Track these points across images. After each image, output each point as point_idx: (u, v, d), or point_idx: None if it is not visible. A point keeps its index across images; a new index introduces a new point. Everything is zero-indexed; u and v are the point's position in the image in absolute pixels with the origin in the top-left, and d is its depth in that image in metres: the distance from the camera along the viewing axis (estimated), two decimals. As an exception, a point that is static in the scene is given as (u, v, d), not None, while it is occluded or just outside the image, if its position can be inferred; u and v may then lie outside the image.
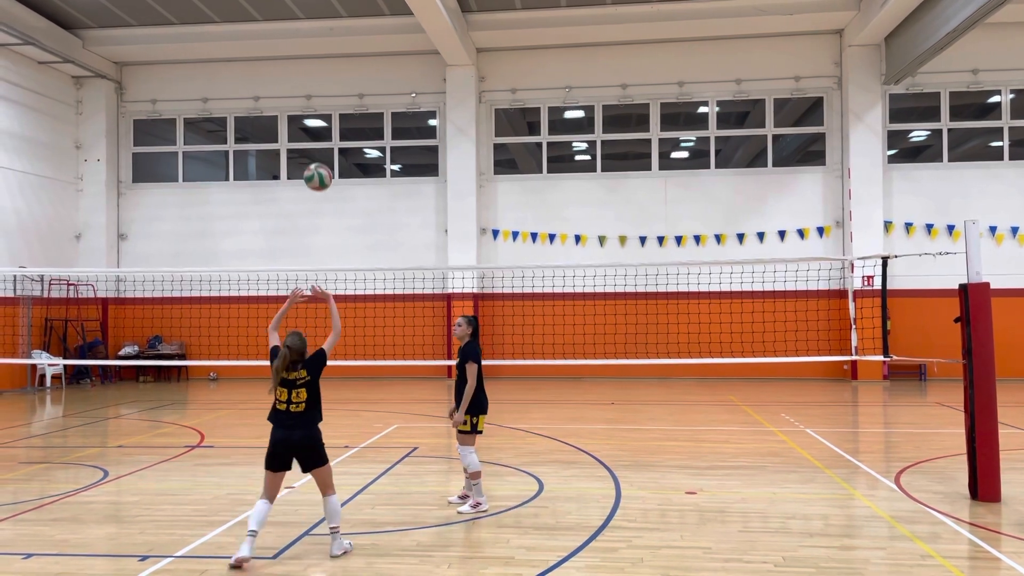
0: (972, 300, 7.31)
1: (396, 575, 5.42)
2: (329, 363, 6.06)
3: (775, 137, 19.26)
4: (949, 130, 18.58)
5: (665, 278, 17.47)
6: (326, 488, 5.88)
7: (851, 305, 11.75)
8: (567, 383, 18.07)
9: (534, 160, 20.23)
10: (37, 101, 18.79)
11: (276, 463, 5.83)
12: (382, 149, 20.39)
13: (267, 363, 6.03)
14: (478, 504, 6.98)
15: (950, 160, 18.53)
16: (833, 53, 18.91)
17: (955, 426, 11.34)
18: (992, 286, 7.50)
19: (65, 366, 18.32)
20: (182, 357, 19.46)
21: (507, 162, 20.57)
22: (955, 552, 5.86)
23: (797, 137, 19.99)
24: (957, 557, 5.75)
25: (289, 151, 20.53)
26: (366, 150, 21.26)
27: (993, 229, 18.03)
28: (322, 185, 8.09)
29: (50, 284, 18.69)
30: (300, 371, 5.84)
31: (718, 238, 18.92)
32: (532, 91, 19.65)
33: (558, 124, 20.00)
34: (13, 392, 17.26)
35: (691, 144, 20.20)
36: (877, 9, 16.44)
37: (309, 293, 6.47)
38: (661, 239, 19.07)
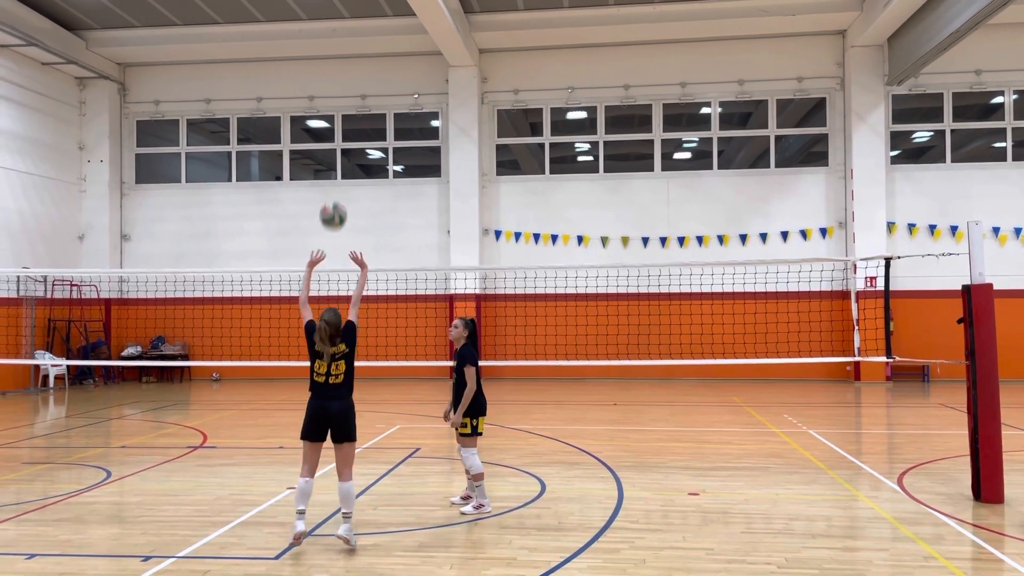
0: (975, 301, 7.30)
1: (398, 576, 5.43)
2: None
3: (778, 138, 19.25)
4: (952, 131, 18.56)
5: (668, 279, 17.46)
6: (345, 468, 6.03)
7: (854, 306, 11.72)
8: (569, 384, 18.07)
9: (536, 161, 20.23)
10: (40, 102, 18.82)
11: (314, 433, 6.01)
12: (385, 150, 20.40)
13: (268, 363, 6.14)
14: (481, 506, 6.98)
15: (953, 161, 18.50)
16: (836, 54, 18.89)
17: (958, 427, 11.32)
18: (995, 287, 7.49)
19: (68, 366, 18.34)
20: (185, 358, 19.48)
21: (509, 163, 20.58)
22: (958, 553, 5.85)
23: (800, 138, 19.98)
24: (960, 558, 5.74)
25: (292, 152, 20.54)
26: (369, 151, 21.27)
27: (996, 230, 18.01)
28: (341, 223, 8.11)
29: (53, 285, 18.72)
30: (340, 345, 6.11)
31: (721, 239, 18.92)
32: (534, 92, 19.66)
33: (560, 125, 20.00)
34: (16, 392, 17.29)
35: (694, 145, 20.19)
36: (880, 10, 16.43)
37: (324, 256, 7.06)
38: (664, 240, 19.06)
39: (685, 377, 18.76)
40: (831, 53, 18.91)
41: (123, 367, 19.75)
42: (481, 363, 7.40)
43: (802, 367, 18.27)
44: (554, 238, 19.33)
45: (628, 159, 20.12)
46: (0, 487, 8.14)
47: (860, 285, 17.21)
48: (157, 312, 19.70)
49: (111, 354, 19.55)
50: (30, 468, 9.26)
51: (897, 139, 19.05)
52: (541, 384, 18.02)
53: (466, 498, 7.22)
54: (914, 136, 19.38)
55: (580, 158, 20.48)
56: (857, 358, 11.06)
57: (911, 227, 18.39)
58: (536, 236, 19.40)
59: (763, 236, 18.84)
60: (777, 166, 19.12)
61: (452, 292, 19.08)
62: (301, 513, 5.90)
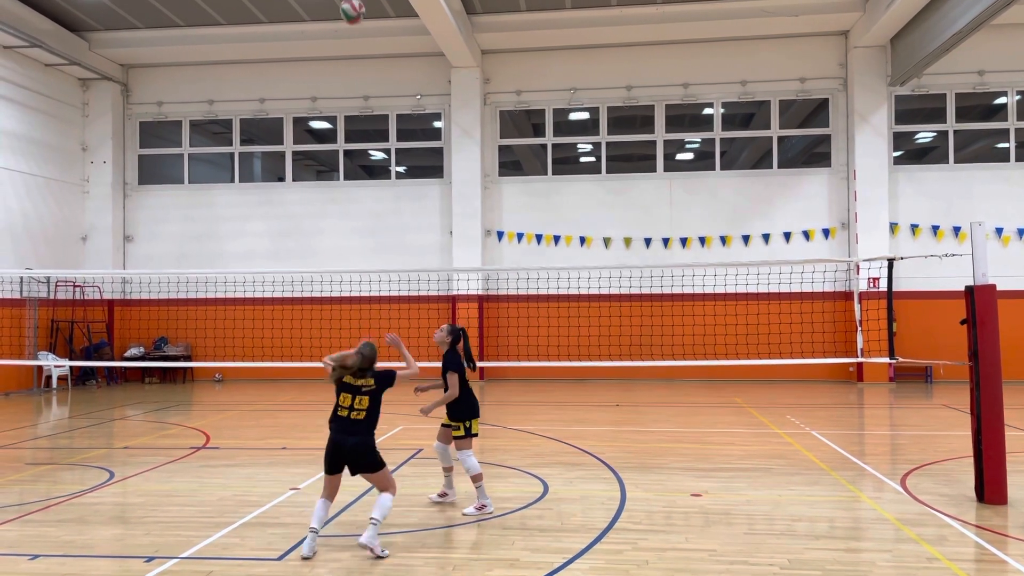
0: (978, 302, 7.29)
1: (401, 577, 5.43)
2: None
3: (780, 139, 19.23)
4: (955, 131, 18.53)
5: (670, 280, 17.45)
6: (382, 489, 6.08)
7: (857, 307, 11.70)
8: (572, 385, 18.06)
9: (539, 162, 20.23)
10: (43, 103, 18.85)
11: (331, 466, 6.02)
12: (387, 151, 20.41)
13: (271, 364, 6.19)
14: (483, 506, 6.99)
15: (956, 161, 18.48)
16: (838, 54, 18.87)
17: (961, 428, 11.30)
18: (998, 288, 7.48)
19: (71, 367, 18.38)
20: (187, 358, 19.50)
21: (512, 164, 20.58)
22: (961, 555, 5.84)
23: (802, 139, 19.96)
24: (963, 560, 5.73)
25: (294, 153, 20.56)
26: (371, 152, 21.28)
27: (999, 231, 17.98)
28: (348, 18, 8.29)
29: (56, 286, 18.75)
30: (368, 379, 6.10)
31: (723, 240, 18.90)
32: (537, 93, 19.66)
33: (563, 126, 20.00)
34: (19, 393, 17.32)
35: (696, 146, 20.18)
36: (883, 10, 16.41)
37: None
38: (666, 241, 19.05)
39: (688, 378, 18.75)
40: (834, 54, 18.90)
41: (126, 368, 19.77)
42: (484, 364, 7.44)
43: (805, 368, 18.25)
44: (556, 239, 19.32)
45: (631, 160, 20.11)
46: (3, 488, 8.16)
47: (863, 286, 17.18)
48: (160, 313, 19.72)
49: (114, 355, 19.57)
50: (33, 469, 9.28)
51: (900, 140, 19.03)
52: (543, 385, 18.02)
53: (443, 495, 7.28)
54: (917, 137, 19.36)
55: (583, 159, 20.47)
56: (860, 359, 11.03)
57: (914, 228, 18.37)
58: (538, 237, 19.40)
59: (766, 237, 18.82)
60: (780, 167, 19.10)
61: (454, 293, 19.08)
62: (313, 531, 5.86)
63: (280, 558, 5.79)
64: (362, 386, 6.10)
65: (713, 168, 19.27)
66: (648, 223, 19.17)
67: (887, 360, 10.26)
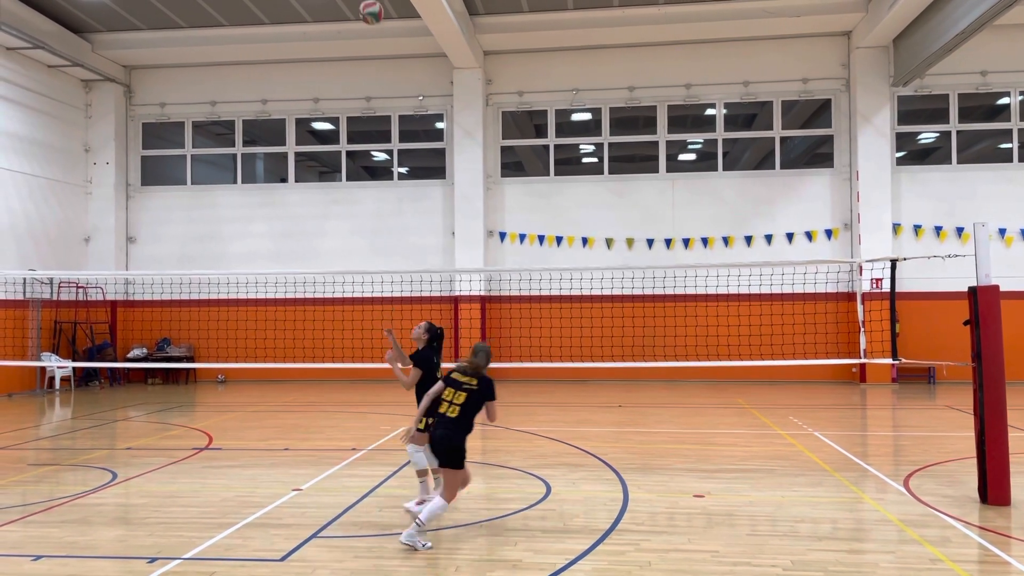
0: (981, 303, 7.28)
1: (403, 578, 5.43)
2: (337, 365, 6.23)
3: (783, 139, 19.21)
4: (958, 132, 18.50)
5: (672, 280, 17.44)
6: (446, 492, 6.15)
7: (859, 308, 11.70)
8: (574, 385, 18.05)
9: (541, 163, 20.23)
10: (46, 105, 18.88)
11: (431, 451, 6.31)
12: (389, 152, 20.42)
13: (273, 365, 6.27)
14: (423, 501, 6.96)
15: (959, 162, 18.45)
16: (841, 55, 18.86)
17: (964, 429, 11.29)
18: (1002, 288, 7.47)
19: (74, 368, 18.40)
20: (190, 359, 19.52)
21: (514, 165, 20.58)
22: (965, 556, 5.83)
23: (805, 139, 19.94)
24: (967, 561, 5.72)
25: (297, 154, 20.57)
26: (373, 153, 21.29)
27: (1003, 231, 17.95)
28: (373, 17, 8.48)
29: (59, 287, 18.77)
30: (471, 379, 6.26)
31: (726, 240, 18.89)
32: (539, 94, 19.65)
33: (565, 127, 20.00)
34: (22, 394, 17.34)
35: (698, 146, 20.17)
36: (885, 11, 16.39)
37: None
38: (668, 241, 19.04)
39: (690, 379, 18.73)
40: (836, 54, 18.88)
41: (129, 369, 19.79)
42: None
43: (808, 369, 18.22)
44: (559, 240, 19.32)
45: (633, 161, 20.11)
46: (6, 489, 8.17)
47: (866, 287, 17.16)
48: (163, 314, 19.74)
49: (117, 356, 19.59)
50: (36, 470, 9.29)
51: (903, 140, 19.00)
52: (546, 386, 18.02)
53: (421, 503, 7.20)
54: (920, 137, 19.33)
55: (585, 160, 20.47)
56: (863, 360, 11.03)
57: (917, 228, 18.34)
58: (541, 238, 19.40)
59: (768, 238, 18.81)
60: (782, 167, 19.08)
61: (457, 294, 19.08)
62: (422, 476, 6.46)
63: (282, 559, 5.79)
64: (464, 383, 6.25)
65: (715, 169, 19.26)
66: (650, 224, 19.16)
67: (890, 361, 10.24)
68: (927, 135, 19.23)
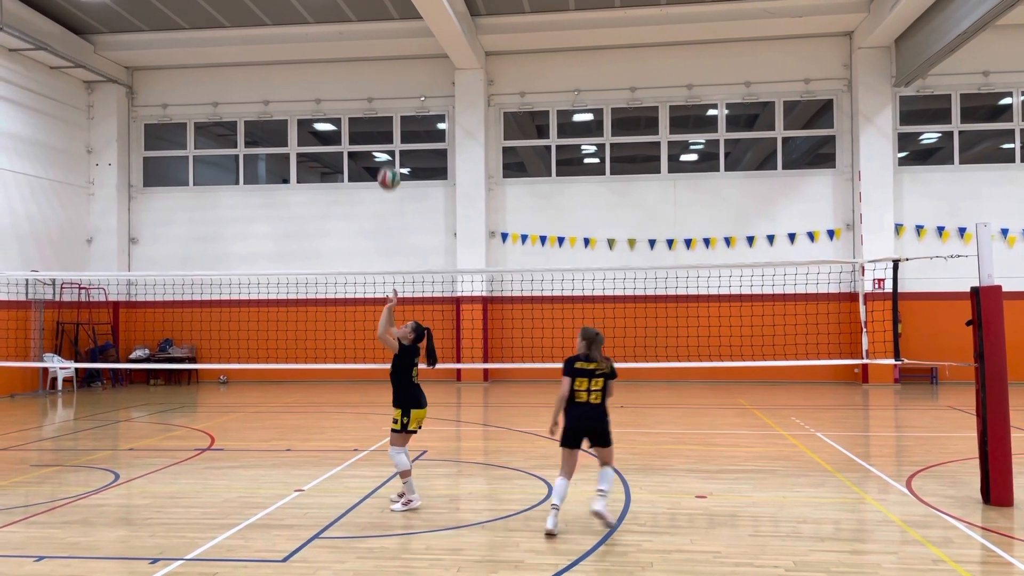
0: (984, 303, 7.27)
1: (405, 578, 5.43)
2: (339, 366, 6.31)
3: (785, 139, 19.20)
4: (960, 132, 18.48)
5: (675, 281, 17.42)
6: (607, 460, 6.68)
7: (862, 308, 11.70)
8: (576, 386, 18.01)
9: (543, 163, 20.23)
10: (49, 106, 18.91)
11: (572, 440, 6.57)
12: (391, 153, 20.42)
13: (275, 366, 6.32)
14: (409, 501, 7.16)
15: (961, 162, 18.43)
16: (843, 55, 18.84)
17: (967, 430, 11.27)
18: (1004, 289, 7.46)
19: (76, 369, 18.42)
20: (192, 360, 19.53)
21: (516, 165, 20.58)
22: (967, 557, 5.82)
23: (807, 139, 19.93)
24: (969, 562, 5.72)
25: (299, 155, 20.58)
26: (375, 154, 21.31)
27: (1005, 231, 17.93)
28: (394, 183, 8.61)
29: (62, 288, 18.79)
30: (601, 364, 6.62)
31: (728, 241, 18.88)
32: (541, 94, 19.65)
33: (567, 127, 19.99)
34: (25, 395, 17.36)
35: (700, 147, 20.16)
36: (887, 11, 16.38)
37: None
38: (670, 242, 19.03)
39: (692, 379, 18.72)
40: (838, 54, 18.87)
41: (131, 370, 19.81)
42: (488, 365, 7.53)
43: (810, 369, 18.20)
44: (561, 240, 19.32)
45: (635, 161, 20.10)
46: (9, 489, 8.18)
47: (868, 287, 17.15)
48: (165, 315, 19.76)
49: (119, 357, 19.61)
50: (38, 471, 9.30)
51: (905, 141, 18.98)
52: (548, 386, 17.97)
53: (402, 495, 7.31)
54: (922, 138, 19.32)
55: (587, 160, 20.47)
56: (865, 360, 11.02)
57: (919, 229, 18.32)
58: (543, 238, 19.40)
59: (770, 238, 18.80)
60: (784, 168, 19.07)
61: (459, 295, 19.08)
62: (555, 508, 6.38)
63: (284, 559, 5.79)
64: (595, 369, 6.58)
65: (717, 169, 19.25)
66: (652, 224, 19.15)
67: (892, 361, 10.24)
68: (929, 135, 19.21)
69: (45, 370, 17.92)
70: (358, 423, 12.80)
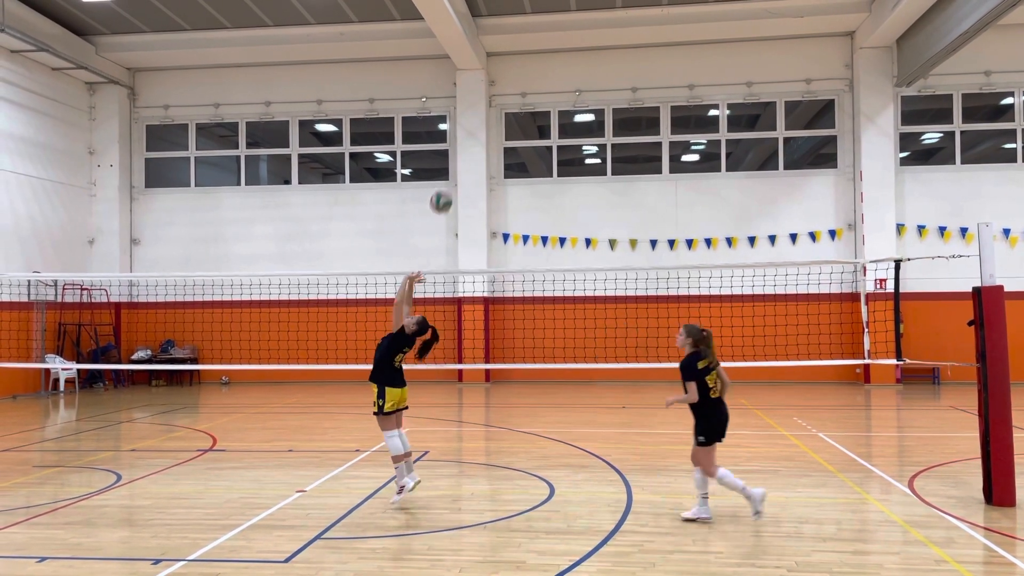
0: (986, 303, 7.26)
1: (407, 579, 5.43)
2: (340, 367, 6.27)
3: (786, 140, 19.19)
4: (962, 132, 18.47)
5: (676, 281, 17.42)
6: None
7: (864, 308, 11.69)
8: (578, 387, 18.05)
9: (544, 164, 20.23)
10: (51, 107, 18.93)
11: (721, 434, 6.79)
12: (392, 153, 20.44)
13: (277, 367, 6.32)
14: (402, 488, 7.21)
15: (963, 162, 18.41)
16: (844, 55, 18.84)
17: (969, 430, 11.26)
18: (1006, 289, 7.46)
19: (78, 370, 18.44)
20: (194, 361, 19.55)
21: (517, 166, 20.58)
22: (970, 557, 5.82)
23: (808, 140, 19.92)
24: (972, 562, 5.71)
25: (300, 156, 20.60)
26: (377, 154, 21.32)
27: (1007, 231, 17.91)
28: (441, 206, 8.71)
29: (63, 289, 18.82)
30: (714, 359, 6.80)
31: (729, 241, 18.88)
32: (542, 95, 19.66)
33: (568, 128, 20.00)
34: (27, 396, 17.38)
35: (702, 147, 20.16)
36: (888, 11, 16.37)
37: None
38: (672, 242, 19.03)
39: (694, 380, 18.67)
40: (840, 55, 18.86)
41: (133, 371, 19.83)
42: (489, 366, 7.54)
43: (811, 370, 18.19)
44: (562, 241, 19.32)
45: (636, 162, 20.10)
46: (11, 490, 8.19)
47: (870, 287, 17.13)
48: (167, 316, 19.78)
49: (121, 358, 19.62)
50: (41, 472, 9.31)
51: (906, 141, 18.97)
52: (549, 387, 18.01)
53: (400, 490, 7.34)
54: (923, 138, 19.30)
55: (588, 161, 20.47)
56: (867, 360, 11.02)
57: (921, 229, 18.31)
58: (544, 239, 19.40)
59: (772, 238, 18.79)
60: (786, 168, 19.06)
61: (460, 295, 19.09)
62: (754, 496, 6.59)
63: (287, 560, 5.80)
64: (713, 363, 6.77)
65: (719, 169, 19.24)
66: (654, 225, 19.15)
67: (894, 362, 10.23)
68: (931, 135, 19.20)
69: (47, 371, 17.94)
70: (360, 423, 12.80)
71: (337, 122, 20.45)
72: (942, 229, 18.23)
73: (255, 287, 18.37)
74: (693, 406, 6.77)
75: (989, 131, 18.74)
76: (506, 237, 19.59)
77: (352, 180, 20.48)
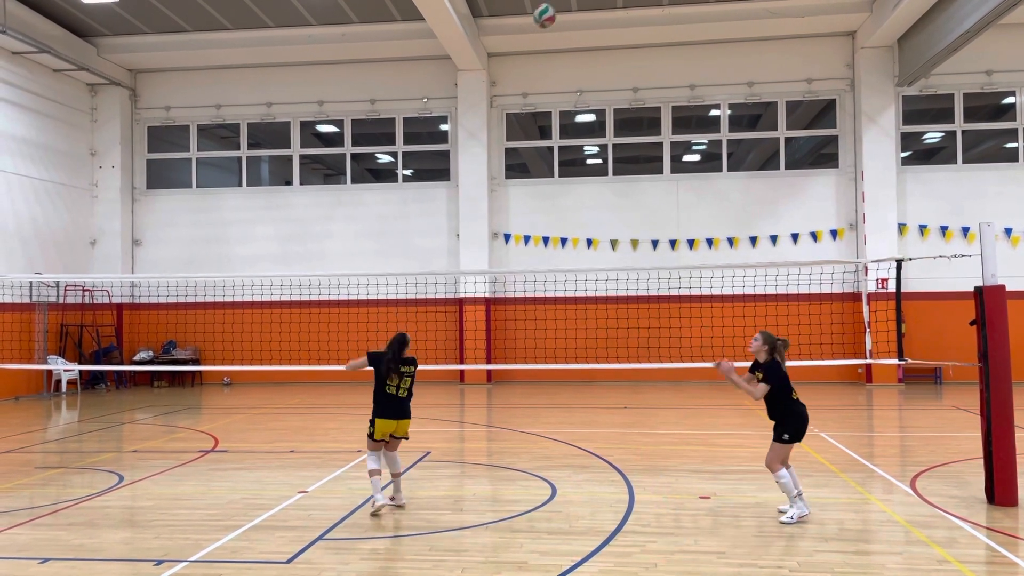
0: (988, 303, 7.26)
1: (409, 580, 5.43)
2: (341, 368, 6.25)
3: (787, 140, 19.18)
4: (963, 132, 18.45)
5: (678, 282, 17.40)
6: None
7: (865, 308, 11.68)
8: (580, 387, 18.04)
9: (545, 164, 20.23)
10: (52, 108, 18.95)
11: (804, 433, 7.21)
12: (394, 154, 20.45)
13: (279, 368, 6.34)
14: (372, 499, 7.15)
15: (964, 162, 18.40)
16: (845, 55, 18.83)
17: (971, 430, 11.24)
18: (1008, 288, 7.46)
19: (80, 371, 18.44)
20: (196, 362, 19.56)
21: (519, 166, 20.58)
22: (972, 557, 5.81)
23: (809, 139, 19.91)
24: (974, 562, 5.71)
25: (302, 156, 20.61)
26: (378, 155, 21.33)
27: (1008, 231, 17.89)
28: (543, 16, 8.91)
29: (65, 290, 18.84)
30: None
31: (730, 241, 18.87)
32: (543, 95, 19.66)
33: (569, 128, 20.00)
34: (29, 397, 17.40)
35: (703, 147, 20.15)
36: (890, 11, 16.36)
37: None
38: (673, 242, 19.02)
39: (695, 380, 18.69)
40: (841, 54, 18.85)
41: (135, 372, 19.84)
42: (491, 366, 7.54)
43: (813, 370, 18.08)
44: (563, 241, 19.32)
45: (637, 162, 20.10)
46: (14, 492, 8.20)
47: (871, 287, 17.11)
48: (168, 317, 19.79)
49: (123, 359, 19.64)
50: (43, 473, 9.32)
51: (908, 140, 18.96)
52: (551, 387, 18.01)
53: (393, 498, 7.32)
54: (925, 137, 19.29)
55: (589, 161, 20.47)
56: (869, 360, 11.00)
57: (922, 228, 18.30)
58: (545, 239, 19.40)
59: (773, 238, 18.78)
60: (787, 168, 19.05)
61: (462, 296, 19.09)
62: (800, 495, 6.79)
63: (288, 561, 5.80)
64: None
65: (720, 169, 19.24)
66: (655, 225, 19.14)
67: (896, 362, 10.21)
68: (932, 135, 19.18)
69: (49, 372, 17.95)
70: (361, 425, 12.76)
71: (338, 123, 20.46)
72: (944, 229, 18.22)
73: (257, 288, 18.37)
74: (776, 407, 7.22)
75: (990, 131, 18.73)
76: (507, 237, 19.59)
77: (353, 181, 20.49)
